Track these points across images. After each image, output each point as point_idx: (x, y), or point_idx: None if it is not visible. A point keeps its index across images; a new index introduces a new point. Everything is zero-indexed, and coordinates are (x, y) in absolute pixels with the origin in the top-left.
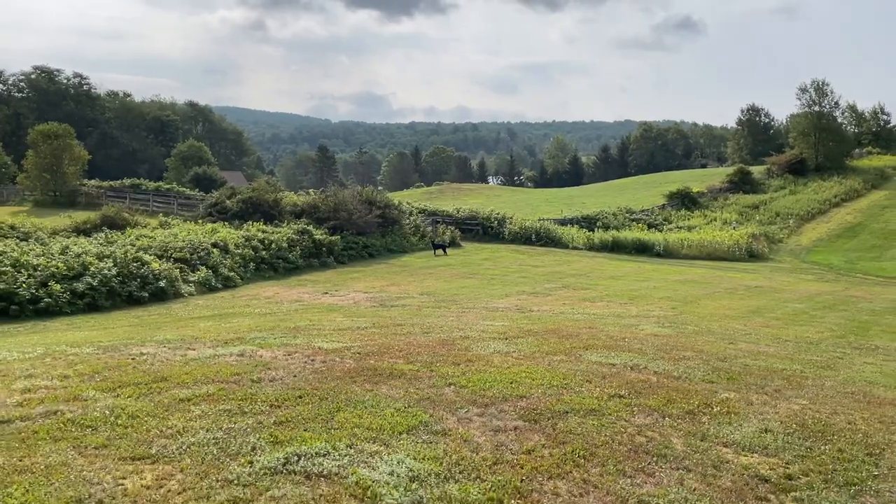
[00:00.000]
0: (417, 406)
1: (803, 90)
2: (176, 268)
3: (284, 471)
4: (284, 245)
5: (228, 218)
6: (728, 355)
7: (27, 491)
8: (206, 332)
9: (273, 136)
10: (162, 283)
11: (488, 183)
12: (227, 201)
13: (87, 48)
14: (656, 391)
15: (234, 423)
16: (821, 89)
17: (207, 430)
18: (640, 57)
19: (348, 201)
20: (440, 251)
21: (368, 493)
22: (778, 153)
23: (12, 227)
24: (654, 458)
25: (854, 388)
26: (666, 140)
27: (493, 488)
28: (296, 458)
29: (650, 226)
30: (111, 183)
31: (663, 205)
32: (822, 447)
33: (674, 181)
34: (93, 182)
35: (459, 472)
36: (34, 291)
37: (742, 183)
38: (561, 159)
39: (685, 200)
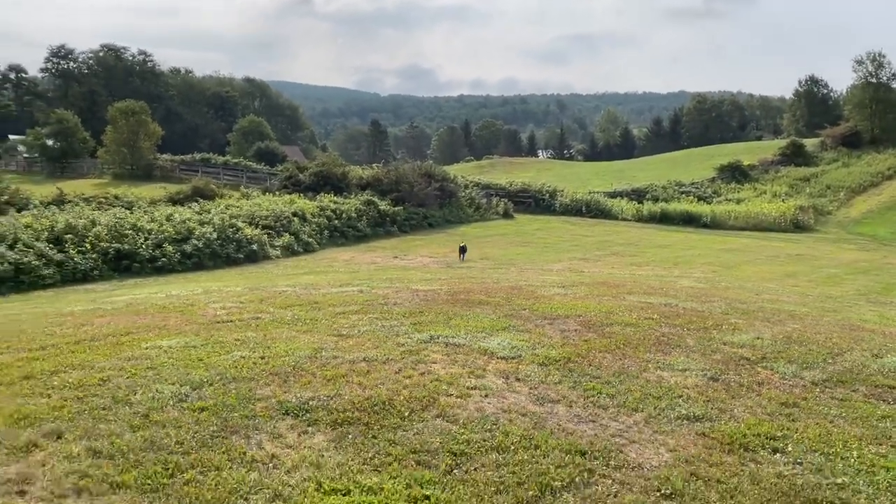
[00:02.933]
0: (505, 319)
1: (859, 62)
2: (264, 234)
3: (431, 342)
4: (353, 215)
5: (302, 190)
6: (749, 300)
7: (287, 344)
8: (317, 280)
9: (323, 110)
10: (254, 247)
11: (538, 156)
12: (300, 175)
13: (143, 25)
14: (681, 316)
15: (384, 323)
16: (877, 61)
17: (369, 325)
18: (693, 25)
19: (409, 175)
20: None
21: (486, 353)
22: (833, 126)
23: (116, 197)
24: (671, 346)
25: (846, 323)
26: (720, 112)
27: (564, 353)
28: (436, 337)
29: (699, 198)
30: (182, 157)
31: (713, 178)
32: (797, 348)
33: (726, 154)
34: (165, 156)
35: (541, 346)
36: (151, 252)
37: (794, 156)
38: (612, 132)
39: (735, 173)
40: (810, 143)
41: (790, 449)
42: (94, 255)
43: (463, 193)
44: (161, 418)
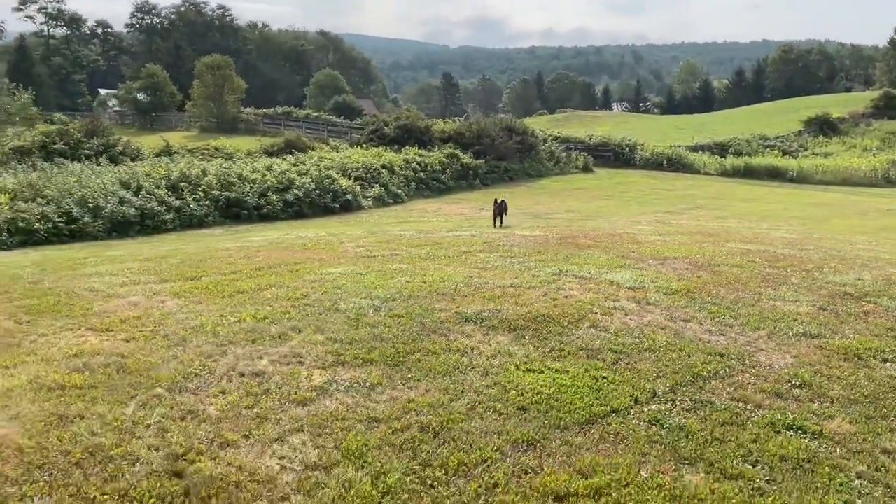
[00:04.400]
0: (618, 259)
1: None
2: (356, 185)
3: (560, 274)
4: (437, 167)
5: (386, 143)
6: (844, 249)
7: (438, 273)
8: (424, 227)
9: (393, 63)
10: (349, 197)
11: (613, 109)
12: (385, 128)
13: None
14: (781, 260)
15: (511, 260)
16: None
17: (500, 262)
18: None
19: (490, 129)
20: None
21: (614, 284)
22: None
23: (217, 149)
24: (777, 283)
25: None
26: (807, 62)
27: (682, 286)
28: (564, 271)
29: (784, 152)
30: (265, 111)
31: (799, 131)
32: None
33: (813, 106)
34: (249, 110)
35: (660, 280)
36: (257, 200)
37: (888, 108)
38: (690, 84)
39: (823, 126)
40: None
41: None
42: (206, 202)
43: (542, 147)
44: (370, 321)
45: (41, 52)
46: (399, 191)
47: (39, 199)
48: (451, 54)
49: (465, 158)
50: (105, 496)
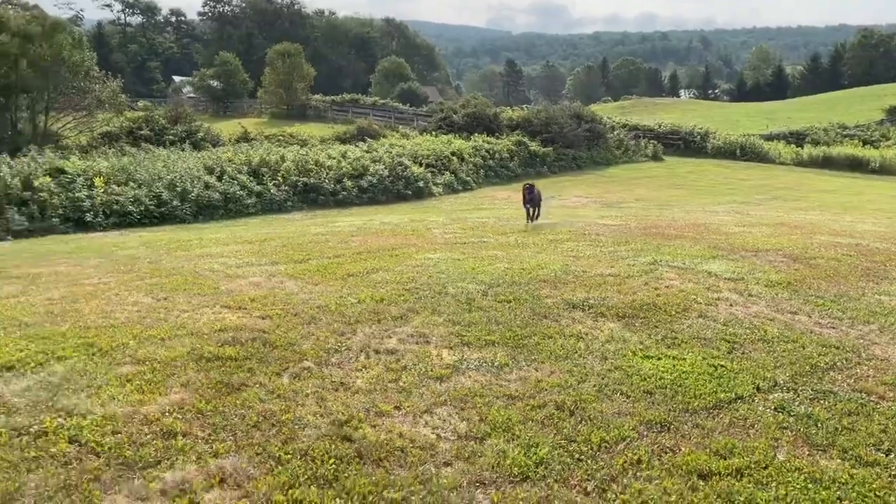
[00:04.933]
0: (709, 250)
1: None
2: (427, 172)
3: (655, 264)
4: (505, 155)
5: (455, 130)
6: None
7: (534, 260)
8: (502, 214)
9: (456, 49)
10: (420, 184)
11: (680, 97)
12: (454, 115)
13: None
14: (877, 254)
15: (601, 249)
16: None
17: (591, 250)
18: None
19: (558, 116)
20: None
21: (712, 275)
22: None
23: (292, 136)
24: (880, 277)
25: None
26: (889, 47)
27: (782, 278)
28: (658, 261)
29: (865, 142)
30: (333, 98)
31: (881, 120)
32: None
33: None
34: (317, 97)
35: (758, 272)
36: (333, 186)
37: None
38: (762, 70)
39: None
40: None
41: None
42: (285, 188)
43: (611, 135)
44: (482, 305)
45: (118, 40)
46: (468, 178)
47: (132, 183)
48: (513, 40)
49: (533, 146)
50: (288, 455)
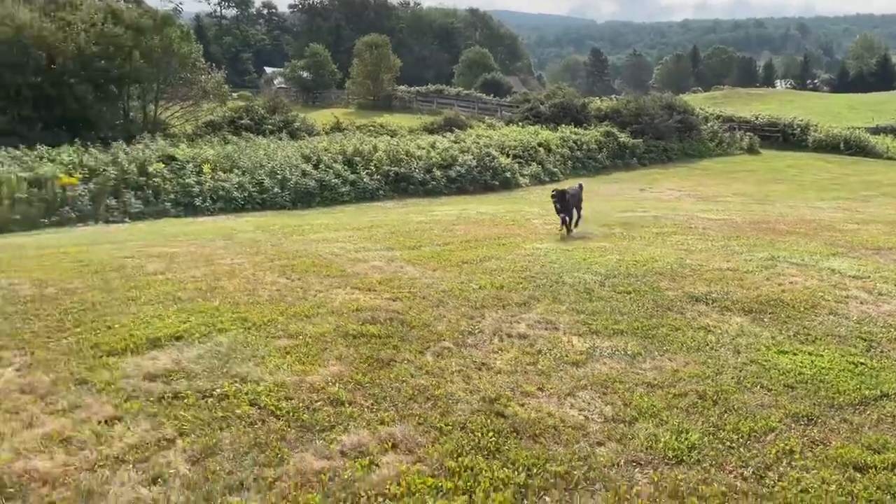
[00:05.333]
0: (826, 247)
1: None
2: (514, 163)
3: (773, 260)
4: (593, 146)
5: (542, 121)
6: None
7: (645, 253)
8: (597, 207)
9: (538, 38)
10: (507, 174)
11: (775, 87)
12: (541, 106)
13: None
14: None
15: (712, 243)
16: None
17: (701, 244)
18: None
19: (649, 106)
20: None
21: (836, 272)
22: None
23: (382, 126)
24: None
25: None
26: None
27: None
28: (776, 257)
29: None
30: (418, 88)
31: None
32: None
33: None
34: (402, 87)
35: (884, 270)
36: (423, 175)
37: None
38: (866, 59)
39: None
40: None
41: None
42: (378, 177)
43: (704, 126)
44: (601, 295)
45: (214, 33)
46: (555, 169)
47: (236, 170)
48: (597, 29)
49: (623, 137)
50: (448, 426)
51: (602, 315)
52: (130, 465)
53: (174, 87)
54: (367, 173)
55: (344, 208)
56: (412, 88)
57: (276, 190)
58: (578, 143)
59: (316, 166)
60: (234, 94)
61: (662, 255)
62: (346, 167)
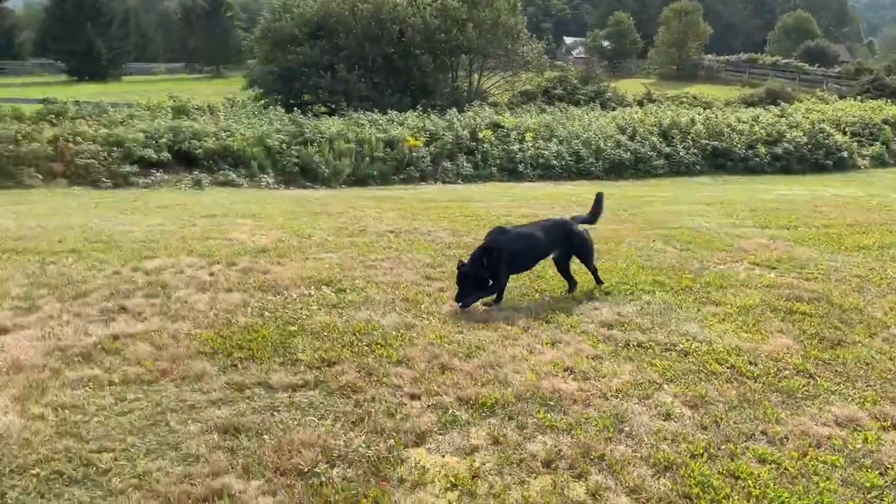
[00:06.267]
0: None
1: None
2: (853, 141)
3: None
4: None
5: (887, 95)
6: None
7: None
8: None
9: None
10: (843, 154)
11: None
12: (886, 78)
13: None
14: None
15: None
16: None
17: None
18: None
19: None
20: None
21: None
22: None
23: (695, 97)
24: None
25: None
26: None
27: None
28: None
29: None
30: (727, 57)
31: None
32: None
33: None
34: (709, 56)
35: None
36: (744, 151)
37: None
38: None
39: None
40: None
41: None
42: (694, 151)
43: None
44: None
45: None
46: None
47: (554, 139)
48: None
49: None
50: None
51: None
52: (636, 400)
53: (497, 57)
54: (683, 147)
55: (659, 182)
56: (720, 57)
57: (591, 160)
58: None
59: (631, 138)
60: (553, 64)
61: None
62: (661, 140)
